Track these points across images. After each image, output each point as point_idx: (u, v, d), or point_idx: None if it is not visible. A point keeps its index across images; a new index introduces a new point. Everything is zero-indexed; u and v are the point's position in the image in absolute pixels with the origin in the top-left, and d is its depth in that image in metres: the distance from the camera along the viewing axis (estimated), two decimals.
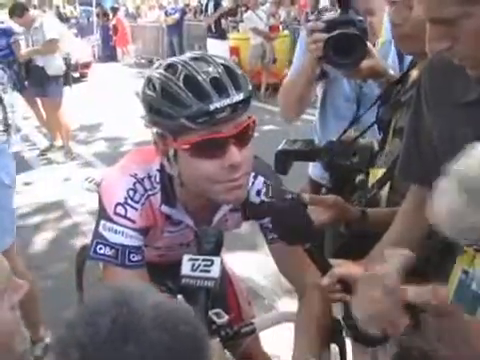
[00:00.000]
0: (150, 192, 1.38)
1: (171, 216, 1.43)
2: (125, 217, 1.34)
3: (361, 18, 1.81)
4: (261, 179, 1.46)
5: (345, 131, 1.96)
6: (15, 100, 7.14)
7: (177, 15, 13.43)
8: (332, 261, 1.37)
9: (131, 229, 1.34)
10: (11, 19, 6.48)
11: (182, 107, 1.17)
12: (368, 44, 1.80)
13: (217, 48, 9.65)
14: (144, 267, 1.38)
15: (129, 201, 1.34)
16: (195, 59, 1.24)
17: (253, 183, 1.44)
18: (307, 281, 1.47)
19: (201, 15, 12.91)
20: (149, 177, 1.38)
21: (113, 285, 0.82)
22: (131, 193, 1.35)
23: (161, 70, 1.24)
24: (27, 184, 5.96)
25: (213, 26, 10.31)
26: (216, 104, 1.16)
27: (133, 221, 1.35)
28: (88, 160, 6.93)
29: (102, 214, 1.36)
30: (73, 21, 18.56)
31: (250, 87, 1.25)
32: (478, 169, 0.91)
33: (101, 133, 8.19)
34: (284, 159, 2.01)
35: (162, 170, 1.37)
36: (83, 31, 16.98)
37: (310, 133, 2.38)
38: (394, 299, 0.93)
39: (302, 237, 1.23)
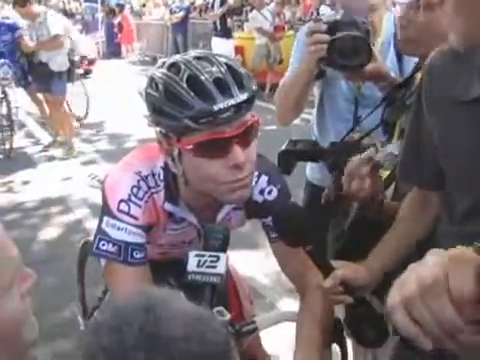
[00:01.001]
0: (154, 190, 1.38)
1: (174, 214, 1.43)
2: (128, 214, 1.34)
3: (364, 20, 1.80)
4: (265, 178, 1.46)
5: (349, 132, 1.96)
6: (19, 96, 7.20)
7: (182, 13, 13.41)
8: (334, 263, 1.38)
9: (134, 226, 1.34)
10: (14, 9, 6.47)
11: (185, 108, 1.17)
12: (372, 47, 1.78)
13: (222, 47, 9.62)
14: (146, 264, 1.39)
15: (132, 198, 1.34)
16: (198, 58, 1.23)
17: (257, 182, 1.44)
18: (309, 281, 1.47)
19: (206, 13, 12.88)
20: (153, 175, 1.38)
21: (140, 290, 0.79)
22: (135, 190, 1.35)
23: (164, 70, 1.24)
24: (29, 180, 5.98)
25: (218, 24, 10.28)
26: (220, 104, 1.15)
27: (136, 218, 1.35)
28: (91, 157, 6.93)
29: (105, 211, 1.36)
30: (78, 17, 18.55)
31: (254, 86, 1.24)
32: None
33: (104, 130, 8.20)
34: (287, 159, 2.01)
35: (166, 168, 1.37)
36: (88, 27, 16.96)
37: (310, 133, 2.37)
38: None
39: (303, 239, 1.24)
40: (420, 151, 1.30)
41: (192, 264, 1.13)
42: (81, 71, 11.78)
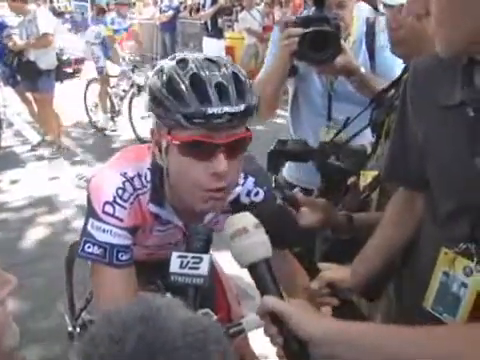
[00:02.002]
0: (140, 191, 1.37)
1: (160, 215, 1.42)
2: (113, 216, 1.33)
3: (335, 16, 1.89)
4: (251, 179, 1.45)
5: (338, 133, 1.96)
6: (7, 95, 7.15)
7: (171, 12, 13.36)
8: (321, 265, 1.38)
9: (119, 228, 1.33)
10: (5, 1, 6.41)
11: (181, 104, 1.16)
12: (342, 41, 1.87)
13: (213, 47, 9.58)
14: (132, 266, 1.38)
15: (118, 200, 1.33)
16: (209, 60, 1.23)
17: (243, 184, 1.43)
18: (296, 283, 1.47)
19: (197, 13, 12.84)
20: (139, 176, 1.37)
21: (139, 299, 0.76)
22: (120, 192, 1.34)
23: (173, 63, 1.24)
24: (17, 179, 5.93)
25: (209, 25, 10.23)
26: (214, 109, 1.14)
27: (121, 220, 1.34)
28: (79, 156, 6.88)
29: (90, 212, 1.35)
30: (67, 16, 18.45)
31: (255, 101, 1.22)
32: None
33: (93, 130, 8.14)
34: (276, 159, 2.00)
35: (153, 169, 1.36)
36: (77, 26, 16.88)
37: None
38: None
39: (290, 241, 1.24)
40: (406, 151, 1.30)
41: (174, 265, 1.12)
42: (70, 70, 11.76)
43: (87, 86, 8.01)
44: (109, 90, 7.89)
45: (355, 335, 0.94)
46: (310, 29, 1.83)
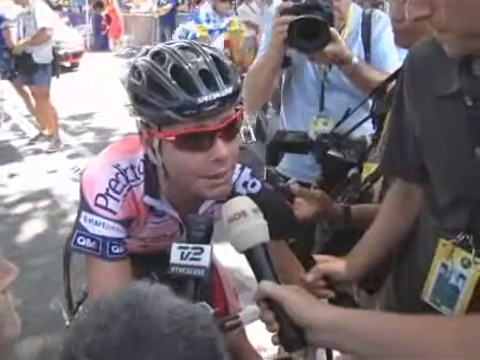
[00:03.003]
0: (133, 183, 1.35)
1: (154, 207, 1.40)
2: (106, 208, 1.31)
3: (328, 4, 1.88)
4: (248, 170, 1.43)
5: (338, 124, 1.95)
6: (5, 88, 7.12)
7: (169, 5, 13.31)
8: (316, 257, 1.37)
9: (112, 220, 1.31)
10: None
11: (168, 99, 1.13)
12: (333, 30, 1.86)
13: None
14: (126, 259, 1.36)
15: (110, 192, 1.31)
16: (184, 48, 1.20)
17: (240, 175, 1.42)
18: (291, 275, 1.45)
19: (197, 6, 12.78)
20: (132, 167, 1.35)
21: (126, 286, 0.75)
22: (113, 184, 1.32)
23: (147, 58, 1.20)
24: (15, 173, 5.91)
25: None
26: (204, 97, 1.12)
27: (114, 212, 1.32)
28: (77, 150, 6.87)
29: (83, 205, 1.33)
30: (65, 10, 18.38)
31: (239, 80, 1.21)
32: None
33: (91, 123, 8.12)
34: (275, 151, 1.99)
35: (146, 160, 1.34)
36: (75, 20, 16.81)
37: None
38: None
39: (286, 232, 1.22)
40: (403, 142, 1.29)
41: (175, 256, 1.10)
42: (68, 64, 11.73)
43: None
44: None
45: (351, 322, 0.93)
46: (300, 16, 1.83)
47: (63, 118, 7.41)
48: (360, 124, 1.83)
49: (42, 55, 6.35)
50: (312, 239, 1.79)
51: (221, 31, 7.71)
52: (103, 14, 16.40)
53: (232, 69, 1.20)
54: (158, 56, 1.19)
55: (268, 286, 1.02)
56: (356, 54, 1.99)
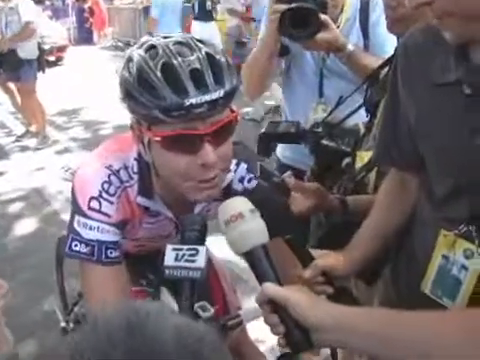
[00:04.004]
0: (127, 184, 1.31)
1: (149, 208, 1.36)
2: (100, 211, 1.27)
3: None
4: (244, 166, 1.40)
5: (331, 113, 1.92)
6: None
7: None
8: (314, 252, 1.35)
9: (107, 224, 1.27)
10: None
11: (156, 97, 1.08)
12: (325, 18, 1.89)
13: (203, 31, 9.32)
14: (122, 263, 1.32)
15: (104, 194, 1.27)
16: (179, 43, 1.14)
17: (236, 170, 1.38)
18: (289, 273, 1.42)
19: None
20: (126, 167, 1.31)
21: (125, 304, 0.68)
22: (106, 186, 1.27)
23: (142, 51, 1.15)
24: (3, 171, 5.85)
25: (196, 6, 9.96)
26: (192, 99, 1.07)
27: (108, 215, 1.27)
28: (65, 146, 6.80)
29: (76, 209, 1.28)
30: (47, 3, 18.14)
31: (235, 80, 1.15)
32: None
33: (78, 118, 8.05)
34: (268, 142, 1.96)
35: (140, 159, 1.30)
36: (58, 13, 16.62)
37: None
38: None
39: (282, 228, 1.19)
40: (397, 131, 1.27)
41: (169, 258, 1.06)
42: (52, 58, 11.60)
43: None
44: None
45: (356, 320, 0.92)
46: (292, 5, 1.85)
47: (50, 114, 7.33)
48: (354, 112, 1.80)
49: (27, 50, 6.27)
50: (307, 233, 1.76)
51: None
52: (86, 7, 16.23)
53: (227, 68, 1.14)
54: (151, 50, 1.14)
55: (271, 288, 0.99)
56: (352, 41, 1.99)
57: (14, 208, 4.93)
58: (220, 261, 1.88)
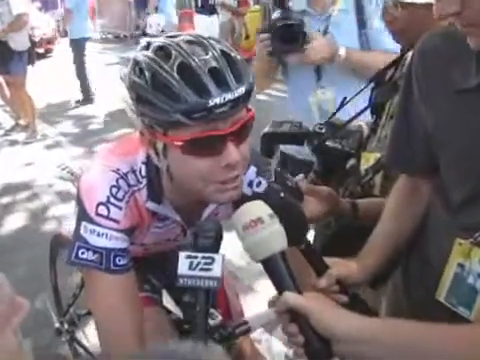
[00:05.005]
0: (135, 188, 1.25)
1: (157, 212, 1.31)
2: (108, 218, 1.21)
3: (298, 15, 2.12)
4: (253, 169, 1.36)
5: (334, 114, 1.89)
6: None
7: None
8: (328, 261, 1.31)
9: (115, 230, 1.21)
10: None
11: (176, 101, 1.03)
12: (311, 32, 2.09)
13: (206, 24, 9.20)
14: (131, 271, 1.26)
15: (112, 200, 1.21)
16: (190, 42, 1.09)
17: (245, 174, 1.34)
18: (305, 282, 1.39)
19: None
20: (133, 171, 1.25)
21: (157, 350, 0.62)
22: (114, 191, 1.22)
23: (150, 53, 1.09)
24: None
25: (199, 0, 9.80)
26: (216, 99, 1.02)
27: (117, 221, 1.22)
28: (55, 139, 6.73)
29: (82, 215, 1.22)
30: None
31: (252, 76, 1.10)
32: None
33: (68, 111, 7.96)
34: (270, 142, 1.93)
35: (148, 162, 1.25)
36: (47, 5, 16.43)
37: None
38: None
39: (297, 237, 1.15)
40: (410, 136, 1.24)
41: (183, 267, 1.01)
42: (41, 50, 11.47)
43: None
44: None
45: (379, 333, 0.91)
46: (278, 25, 2.07)
47: (39, 107, 7.24)
48: (359, 115, 1.77)
49: (19, 42, 6.20)
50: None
51: None
52: None
53: (243, 65, 1.10)
54: (162, 51, 1.09)
55: (291, 298, 0.96)
56: (342, 28, 2.13)
57: (3, 202, 4.86)
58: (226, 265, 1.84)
